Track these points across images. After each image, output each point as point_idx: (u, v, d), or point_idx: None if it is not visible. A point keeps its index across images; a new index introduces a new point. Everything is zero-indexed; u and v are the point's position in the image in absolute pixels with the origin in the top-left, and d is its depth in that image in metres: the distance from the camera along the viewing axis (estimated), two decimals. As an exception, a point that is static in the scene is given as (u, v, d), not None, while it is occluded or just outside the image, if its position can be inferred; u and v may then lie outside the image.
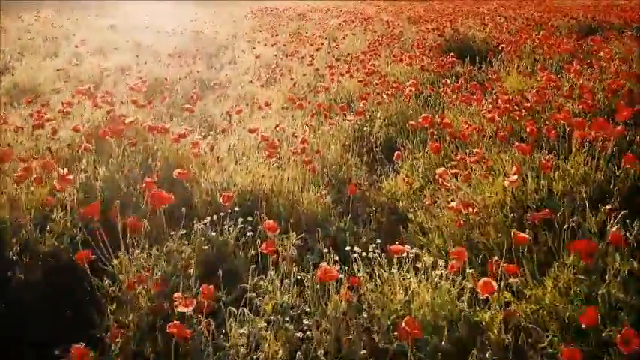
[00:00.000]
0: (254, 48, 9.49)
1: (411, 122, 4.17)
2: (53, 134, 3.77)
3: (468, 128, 3.68)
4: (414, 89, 4.63)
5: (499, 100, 4.17)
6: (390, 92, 4.71)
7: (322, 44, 9.74)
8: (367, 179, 4.07)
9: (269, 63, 8.52)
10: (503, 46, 6.55)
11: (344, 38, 9.92)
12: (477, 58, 7.14)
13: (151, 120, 4.36)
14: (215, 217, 2.80)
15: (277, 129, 3.91)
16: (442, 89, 4.85)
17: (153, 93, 6.30)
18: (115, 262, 2.24)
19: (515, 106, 4.10)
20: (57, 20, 14.48)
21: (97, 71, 7.86)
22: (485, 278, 1.99)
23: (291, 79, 6.59)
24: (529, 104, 4.08)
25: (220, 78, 8.04)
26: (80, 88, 4.59)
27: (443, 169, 3.06)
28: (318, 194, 3.21)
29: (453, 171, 3.09)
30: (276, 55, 8.72)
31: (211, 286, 2.15)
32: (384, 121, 4.62)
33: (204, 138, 4.54)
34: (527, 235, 2.09)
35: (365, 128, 4.68)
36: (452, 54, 6.85)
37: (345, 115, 4.94)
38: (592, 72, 4.85)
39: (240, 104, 6.36)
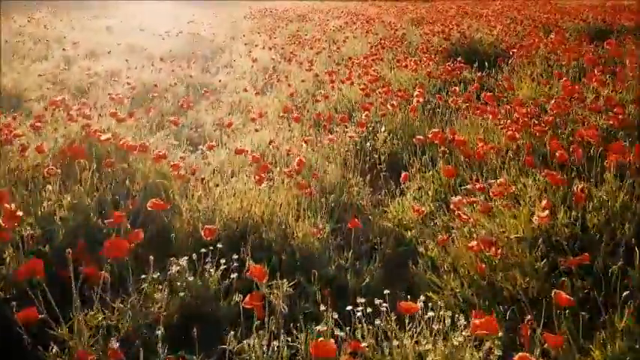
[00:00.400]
0: (250, 52, 9.07)
1: (418, 137, 3.75)
2: (22, 152, 3.36)
3: (483, 146, 3.27)
4: (421, 100, 4.21)
5: (515, 113, 3.76)
6: (394, 103, 4.30)
7: (322, 47, 9.33)
8: (370, 200, 3.67)
9: (267, 67, 8.11)
10: (514, 50, 6.11)
11: (345, 41, 9.50)
12: (486, 63, 6.72)
13: (133, 134, 3.95)
14: (195, 255, 2.39)
15: (271, 145, 3.50)
16: (451, 99, 4.43)
17: (141, 101, 5.89)
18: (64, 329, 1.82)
19: (534, 119, 3.69)
20: (51, 21, 14.09)
21: (84, 76, 7.45)
22: (521, 354, 1.57)
23: (289, 85, 6.18)
24: (549, 117, 3.66)
25: (215, 83, 7.63)
26: (54, 98, 4.17)
27: (458, 198, 2.65)
28: (315, 225, 2.79)
29: (470, 199, 2.68)
30: (274, 59, 8.31)
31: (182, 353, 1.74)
32: (389, 134, 4.21)
33: (191, 153, 4.14)
34: (571, 298, 1.68)
35: (367, 142, 4.28)
36: (459, 59, 6.44)
37: (345, 127, 4.54)
38: (614, 80, 4.43)
39: (234, 113, 5.97)
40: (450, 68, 6.16)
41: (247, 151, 3.45)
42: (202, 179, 3.08)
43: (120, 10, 19.32)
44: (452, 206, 2.66)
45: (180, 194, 3.03)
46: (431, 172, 3.53)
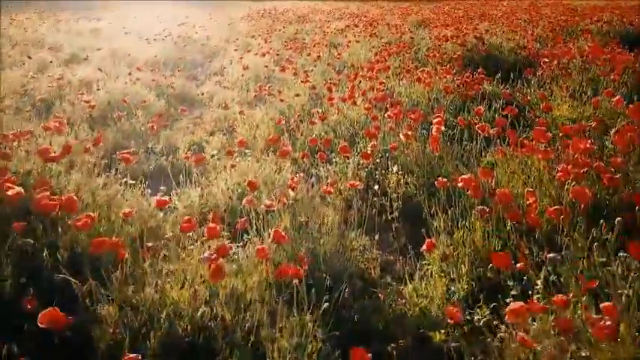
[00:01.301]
0: (241, 58, 8.11)
1: (441, 179, 2.80)
2: None
3: (534, 204, 2.32)
4: (442, 128, 3.26)
5: (568, 148, 2.80)
6: (409, 132, 3.34)
7: (322, 53, 8.37)
8: (380, 264, 2.74)
9: (260, 75, 7.16)
10: (545, 60, 5.14)
11: (347, 45, 8.54)
12: (509, 73, 5.78)
13: (69, 175, 3.00)
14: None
15: (246, 203, 2.54)
16: (478, 124, 3.47)
17: (102, 120, 4.96)
18: None
19: (596, 160, 2.74)
20: (36, 23, 13.15)
21: (55, 86, 6.51)
22: None
23: (282, 100, 5.23)
24: (617, 158, 2.70)
25: (200, 95, 6.69)
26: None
27: (519, 304, 1.70)
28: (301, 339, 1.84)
29: (534, 306, 1.73)
30: (267, 66, 7.35)
31: None
32: (401, 171, 3.26)
33: (145, 198, 3.19)
34: None
35: (375, 180, 3.33)
36: (479, 69, 5.47)
37: (347, 159, 3.59)
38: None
39: (216, 132, 5.02)
40: (468, 80, 5.21)
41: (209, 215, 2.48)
42: (144, 258, 2.14)
43: (113, 11, 18.41)
44: (506, 317, 1.71)
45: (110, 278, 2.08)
46: (462, 234, 2.58)
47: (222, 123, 5.36)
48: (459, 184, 2.57)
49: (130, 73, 6.97)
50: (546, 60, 5.12)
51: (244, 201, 2.50)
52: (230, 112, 5.40)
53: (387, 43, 8.65)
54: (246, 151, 3.85)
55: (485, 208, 2.39)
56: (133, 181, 3.31)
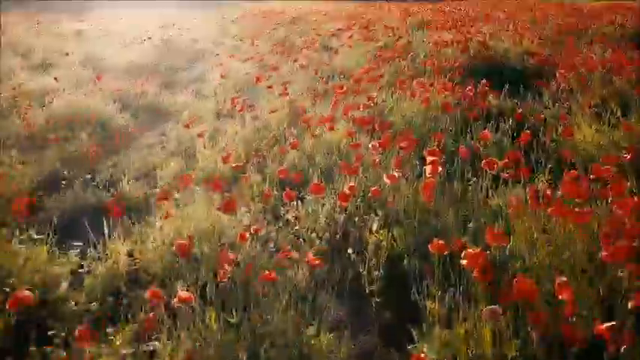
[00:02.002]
0: (221, 64, 7.33)
1: (436, 241, 2.04)
2: None
3: (569, 304, 1.56)
4: (439, 169, 2.48)
5: (615, 205, 2.03)
6: (396, 172, 2.56)
7: (310, 58, 7.60)
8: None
9: (240, 83, 6.38)
10: (561, 71, 4.33)
11: (336, 52, 7.75)
12: (518, 84, 5.02)
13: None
14: None
15: (150, 296, 1.75)
16: (484, 161, 2.69)
17: (43, 141, 4.21)
18: None
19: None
20: (14, 25, 12.39)
21: (9, 97, 5.76)
22: None
23: (255, 117, 4.46)
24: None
25: (172, 106, 5.93)
26: None
27: None
28: None
29: None
30: (248, 74, 6.57)
31: None
32: (384, 229, 2.49)
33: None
34: None
35: (350, 233, 2.57)
36: (483, 81, 4.69)
37: (322, 199, 2.84)
38: None
39: (176, 156, 4.26)
40: (471, 94, 4.43)
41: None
42: None
43: (100, 12, 17.59)
44: None
45: None
46: (464, 330, 1.81)
47: (188, 142, 4.60)
48: (463, 263, 1.80)
49: (95, 82, 6.20)
50: (562, 72, 4.31)
51: (148, 293, 1.74)
52: (195, 131, 4.63)
53: (382, 47, 7.87)
54: (197, 188, 3.08)
55: (498, 309, 1.62)
56: (40, 236, 2.55)
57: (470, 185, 2.83)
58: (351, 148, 3.00)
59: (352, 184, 2.61)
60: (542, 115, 3.94)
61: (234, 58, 8.01)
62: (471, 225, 2.45)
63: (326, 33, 10.29)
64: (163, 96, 6.22)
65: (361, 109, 4.08)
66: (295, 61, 6.88)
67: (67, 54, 8.17)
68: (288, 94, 4.74)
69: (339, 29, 10.14)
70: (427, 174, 2.43)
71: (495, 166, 2.62)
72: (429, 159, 2.41)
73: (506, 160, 2.70)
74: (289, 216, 2.87)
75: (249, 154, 4.00)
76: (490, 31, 8.72)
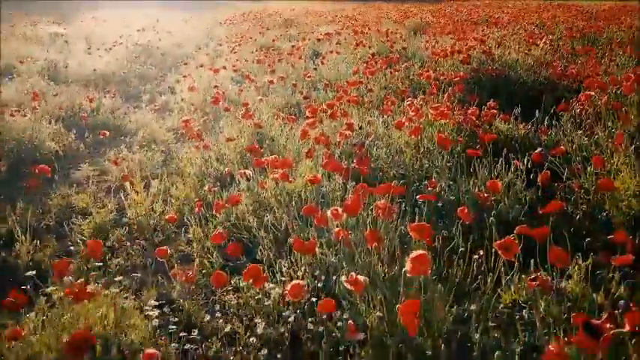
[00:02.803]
0: (183, 77, 6.43)
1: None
2: None
3: None
4: (427, 271, 1.59)
5: None
6: (358, 279, 1.65)
7: (294, 67, 6.72)
8: None
9: (208, 99, 5.50)
10: (589, 93, 3.41)
11: (323, 61, 6.85)
12: (531, 104, 4.14)
13: None
14: None
15: None
16: (496, 245, 1.81)
17: None
18: None
19: None
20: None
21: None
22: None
23: (205, 147, 3.58)
24: None
25: (127, 125, 5.06)
26: None
27: None
28: None
29: None
30: (217, 87, 5.67)
31: None
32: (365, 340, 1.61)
33: None
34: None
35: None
36: (489, 102, 3.80)
37: (271, 284, 1.97)
38: None
39: (109, 194, 3.38)
40: (474, 118, 3.55)
41: None
42: None
43: (85, 13, 16.70)
44: None
45: None
46: None
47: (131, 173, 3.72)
48: None
49: (34, 97, 5.32)
50: (591, 94, 3.38)
51: None
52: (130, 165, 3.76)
53: (375, 54, 6.99)
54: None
55: None
56: None
57: (473, 280, 1.94)
58: (306, 213, 2.11)
59: (298, 282, 1.71)
60: (562, 146, 3.05)
61: (212, 65, 7.13)
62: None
63: (317, 37, 9.38)
64: (122, 112, 5.35)
65: (337, 141, 3.20)
66: (272, 71, 5.98)
67: (22, 62, 7.27)
68: (252, 116, 3.85)
69: (327, 34, 9.23)
70: (408, 273, 1.54)
71: (512, 250, 1.74)
72: (413, 256, 1.52)
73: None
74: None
75: (190, 196, 3.14)
76: (495, 37, 7.82)
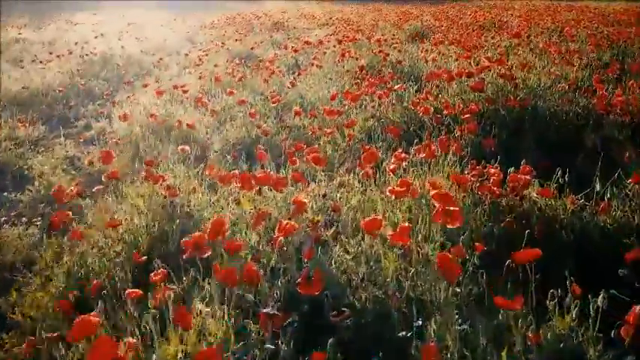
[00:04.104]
0: (131, 96, 5.12)
1: None
2: None
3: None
4: None
5: None
6: None
7: (262, 84, 5.40)
8: None
9: (145, 130, 4.19)
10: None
11: (299, 75, 5.53)
12: (565, 148, 2.88)
13: None
14: None
15: None
16: None
17: None
18: None
19: None
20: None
21: None
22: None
23: (111, 214, 2.26)
24: None
25: (25, 169, 3.77)
26: None
27: None
28: None
29: None
30: (153, 117, 4.35)
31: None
32: None
33: None
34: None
35: None
36: (524, 166, 2.46)
37: None
38: None
39: None
40: (494, 187, 2.24)
41: None
42: None
43: (62, 16, 15.35)
44: None
45: None
46: None
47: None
48: None
49: None
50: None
51: None
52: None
53: (365, 67, 5.65)
54: None
55: None
56: None
57: None
58: None
59: None
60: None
61: (165, 83, 5.82)
62: None
63: (301, 45, 8.04)
64: (21, 150, 4.05)
65: (274, 239, 1.89)
66: (230, 93, 4.65)
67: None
68: (163, 179, 2.53)
69: (307, 42, 7.88)
70: None
71: None
72: None
73: None
74: None
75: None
76: (505, 45, 6.47)
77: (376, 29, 10.97)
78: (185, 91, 4.60)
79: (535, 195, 2.34)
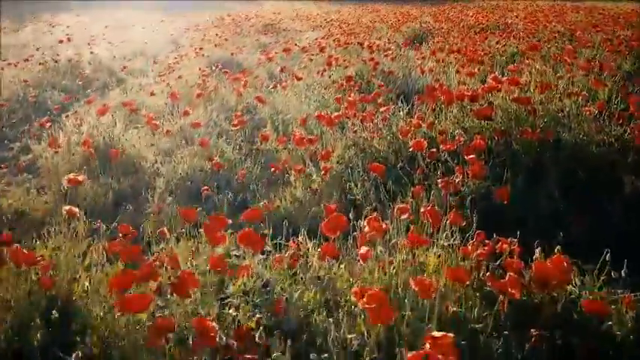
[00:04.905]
0: (69, 115, 4.33)
1: None
2: None
3: None
4: None
5: None
6: None
7: (236, 97, 4.62)
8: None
9: (71, 164, 3.41)
10: None
11: (274, 88, 4.75)
12: (598, 192, 2.10)
13: None
14: None
15: None
16: None
17: None
18: None
19: None
20: None
21: None
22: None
23: None
24: None
25: None
26: None
27: None
28: None
29: None
30: (87, 145, 3.57)
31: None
32: None
33: None
34: None
35: None
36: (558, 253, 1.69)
37: None
38: None
39: None
40: (510, 285, 1.46)
41: None
42: None
43: (43, 16, 14.54)
44: None
45: None
46: None
47: None
48: None
49: None
50: None
51: None
52: None
53: (352, 78, 4.87)
54: None
55: None
56: None
57: None
58: None
59: None
60: None
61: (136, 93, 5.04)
62: None
63: (285, 49, 7.23)
64: None
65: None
66: (185, 114, 3.86)
67: None
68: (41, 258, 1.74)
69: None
70: None
71: None
72: None
73: None
74: None
75: None
76: (514, 53, 5.69)
77: (372, 32, 10.18)
78: (133, 110, 3.81)
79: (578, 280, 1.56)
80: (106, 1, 18.76)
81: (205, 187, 2.75)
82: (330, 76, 5.26)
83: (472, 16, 12.19)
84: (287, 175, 3.01)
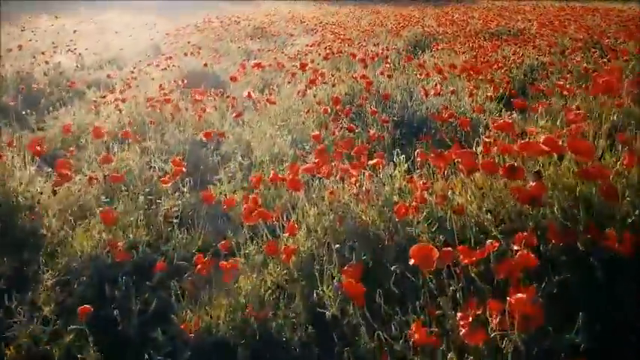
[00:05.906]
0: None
1: None
2: None
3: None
4: None
5: None
6: None
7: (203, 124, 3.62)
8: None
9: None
10: None
11: (245, 111, 3.75)
12: None
13: None
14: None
15: None
16: None
17: None
18: None
19: None
20: None
21: None
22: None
23: None
24: None
25: None
26: None
27: None
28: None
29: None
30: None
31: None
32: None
33: None
34: None
35: None
36: None
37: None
38: None
39: None
40: None
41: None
42: None
43: (20, 20, 13.51)
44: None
45: None
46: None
47: None
48: None
49: None
50: None
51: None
52: None
53: (338, 102, 3.85)
54: None
55: None
56: None
57: None
58: None
59: None
60: None
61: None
62: None
63: (270, 61, 6.20)
64: None
65: None
66: (105, 162, 2.84)
67: None
68: None
69: (310, 45, 6.08)
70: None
71: None
72: None
73: None
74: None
75: None
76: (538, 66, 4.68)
77: (370, 37, 9.15)
78: (39, 153, 2.78)
79: None
80: (97, 2, 17.77)
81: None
82: (314, 95, 4.26)
83: (479, 19, 11.13)
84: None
